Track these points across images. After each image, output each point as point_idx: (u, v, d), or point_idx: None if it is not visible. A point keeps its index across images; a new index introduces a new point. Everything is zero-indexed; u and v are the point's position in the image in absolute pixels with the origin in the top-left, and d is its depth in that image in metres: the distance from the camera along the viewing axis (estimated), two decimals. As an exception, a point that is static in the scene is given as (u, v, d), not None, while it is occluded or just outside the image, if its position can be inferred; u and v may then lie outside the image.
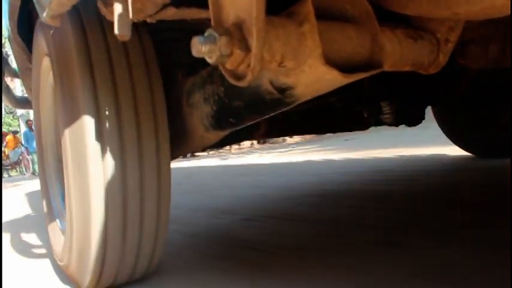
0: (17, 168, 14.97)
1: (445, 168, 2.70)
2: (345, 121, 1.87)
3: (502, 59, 1.19)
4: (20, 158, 14.64)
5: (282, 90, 0.74)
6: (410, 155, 3.63)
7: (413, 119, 1.80)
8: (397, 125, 1.77)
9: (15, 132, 16.08)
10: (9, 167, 15.07)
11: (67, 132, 1.07)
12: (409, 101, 1.73)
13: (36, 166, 13.18)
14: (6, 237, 2.32)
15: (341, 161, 4.17)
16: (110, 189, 1.03)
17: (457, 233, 1.33)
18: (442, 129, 2.89)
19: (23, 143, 14.71)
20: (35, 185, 6.39)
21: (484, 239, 1.23)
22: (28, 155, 14.04)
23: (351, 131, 1.97)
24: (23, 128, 16.26)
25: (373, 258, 1.19)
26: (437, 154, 3.36)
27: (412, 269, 1.08)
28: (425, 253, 1.18)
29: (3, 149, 14.17)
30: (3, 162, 14.34)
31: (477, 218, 1.47)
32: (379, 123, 1.83)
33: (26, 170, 14.29)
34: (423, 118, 1.81)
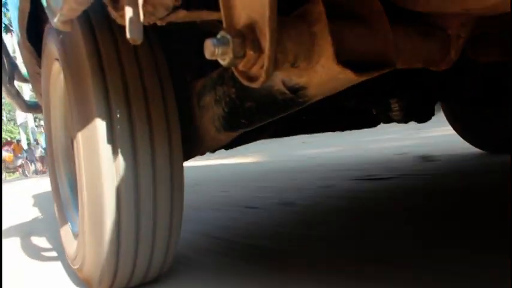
0: (20, 171, 18.68)
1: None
2: (354, 119, 1.87)
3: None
4: (22, 162, 18.23)
5: (295, 90, 0.74)
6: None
7: (423, 116, 1.78)
8: (406, 122, 1.77)
9: (18, 141, 20.08)
10: (13, 170, 18.90)
11: (79, 136, 1.08)
12: (418, 98, 1.72)
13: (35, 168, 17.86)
14: (16, 241, 2.33)
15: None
16: (122, 192, 1.03)
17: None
18: (451, 125, 2.87)
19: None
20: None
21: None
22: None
23: (359, 128, 1.97)
24: (23, 136, 20.69)
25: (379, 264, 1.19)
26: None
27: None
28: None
29: (8, 154, 18.08)
30: (8, 165, 18.26)
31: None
32: (388, 120, 1.82)
33: (27, 172, 17.83)
34: (433, 114, 1.80)
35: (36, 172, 18.07)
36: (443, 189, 2.02)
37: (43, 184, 7.87)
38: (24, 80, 1.97)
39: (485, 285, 0.93)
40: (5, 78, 1.81)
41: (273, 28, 0.59)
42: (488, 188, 1.88)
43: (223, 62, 0.62)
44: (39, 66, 1.52)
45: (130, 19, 0.73)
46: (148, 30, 1.09)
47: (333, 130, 1.88)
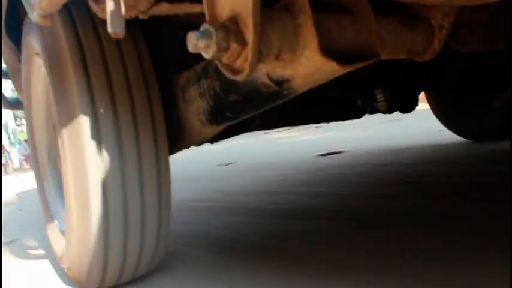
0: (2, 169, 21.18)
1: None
2: (339, 110, 1.88)
3: (494, 43, 1.20)
4: (4, 162, 20.88)
5: (279, 83, 0.74)
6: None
7: (407, 106, 1.80)
8: (391, 112, 1.78)
9: None
10: None
11: (63, 132, 1.06)
12: (403, 88, 1.74)
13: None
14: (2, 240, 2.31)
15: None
16: (109, 188, 1.02)
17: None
18: (435, 114, 2.90)
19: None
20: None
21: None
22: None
23: (345, 120, 1.98)
24: (4, 135, 23.22)
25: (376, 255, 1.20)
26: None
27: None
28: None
29: (-8, 154, 21.15)
30: (-10, 164, 20.91)
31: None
32: (373, 111, 1.83)
33: (8, 170, 20.61)
34: (417, 104, 1.82)
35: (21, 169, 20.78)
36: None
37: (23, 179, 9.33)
38: (3, 76, 1.93)
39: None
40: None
41: (256, 20, 0.58)
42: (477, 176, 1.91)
43: (207, 55, 0.62)
44: (20, 62, 1.49)
45: (112, 12, 0.72)
46: (131, 23, 1.07)
47: (319, 121, 1.89)
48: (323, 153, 3.51)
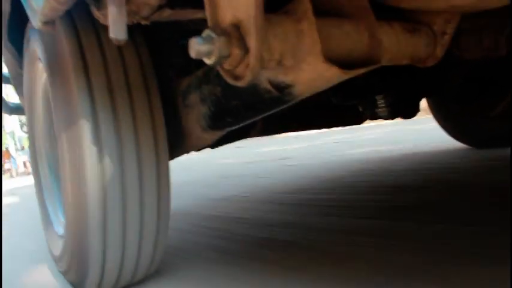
0: (8, 173, 23.45)
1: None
2: (340, 116, 1.87)
3: (496, 49, 1.20)
4: (9, 167, 23.31)
5: (281, 88, 0.74)
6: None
7: (409, 112, 1.80)
8: (392, 118, 1.78)
9: (6, 148, 25.26)
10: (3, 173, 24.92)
11: (64, 137, 1.06)
12: (404, 94, 1.74)
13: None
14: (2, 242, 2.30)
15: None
16: (108, 193, 1.02)
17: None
18: (437, 120, 2.89)
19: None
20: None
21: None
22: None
23: (346, 125, 1.97)
24: (11, 142, 25.12)
25: (379, 254, 1.20)
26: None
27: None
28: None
29: (-2, 159, 23.30)
30: (-3, 169, 22.36)
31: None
32: (374, 117, 1.83)
33: (13, 174, 22.63)
34: (418, 110, 1.82)
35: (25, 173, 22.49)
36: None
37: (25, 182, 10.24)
38: (5, 81, 1.94)
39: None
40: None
41: (259, 27, 0.58)
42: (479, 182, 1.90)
43: (209, 61, 0.61)
44: (21, 67, 1.49)
45: (114, 19, 0.72)
46: (132, 28, 1.07)
47: (320, 127, 1.89)
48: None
